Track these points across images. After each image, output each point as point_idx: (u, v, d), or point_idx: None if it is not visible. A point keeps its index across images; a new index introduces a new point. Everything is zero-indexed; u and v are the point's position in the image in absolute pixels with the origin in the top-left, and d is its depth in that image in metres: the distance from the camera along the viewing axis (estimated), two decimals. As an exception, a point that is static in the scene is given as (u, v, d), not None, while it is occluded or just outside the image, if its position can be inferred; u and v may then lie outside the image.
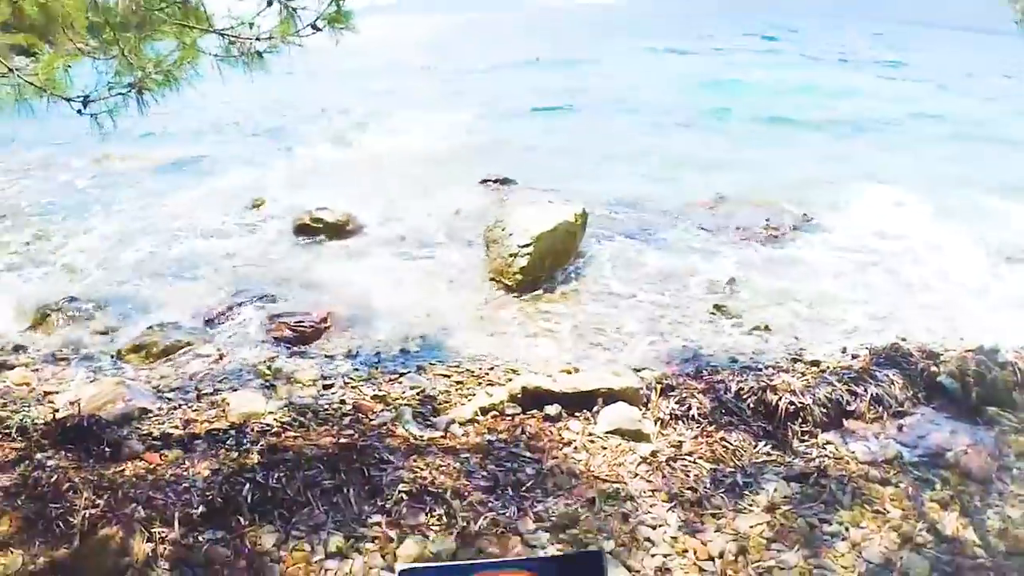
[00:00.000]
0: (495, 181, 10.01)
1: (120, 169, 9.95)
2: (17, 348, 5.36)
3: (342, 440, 3.93)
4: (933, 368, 4.82)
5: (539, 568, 1.22)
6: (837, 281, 7.00)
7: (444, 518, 3.39)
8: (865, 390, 4.56)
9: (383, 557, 3.18)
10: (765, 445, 4.13)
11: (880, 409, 4.48)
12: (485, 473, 3.75)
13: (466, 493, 3.56)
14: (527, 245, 6.70)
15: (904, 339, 5.37)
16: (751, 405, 4.43)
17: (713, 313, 6.21)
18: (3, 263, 7.01)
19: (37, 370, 4.99)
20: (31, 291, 6.37)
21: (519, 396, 4.50)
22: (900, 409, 4.50)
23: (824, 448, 4.17)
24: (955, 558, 3.36)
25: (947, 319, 6.16)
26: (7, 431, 3.86)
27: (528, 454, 3.93)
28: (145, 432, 4.06)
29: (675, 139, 12.08)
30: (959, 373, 4.69)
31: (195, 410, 4.43)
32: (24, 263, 6.99)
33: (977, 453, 4.06)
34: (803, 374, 4.83)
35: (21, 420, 4.07)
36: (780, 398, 4.40)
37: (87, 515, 3.15)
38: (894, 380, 4.65)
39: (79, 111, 3.75)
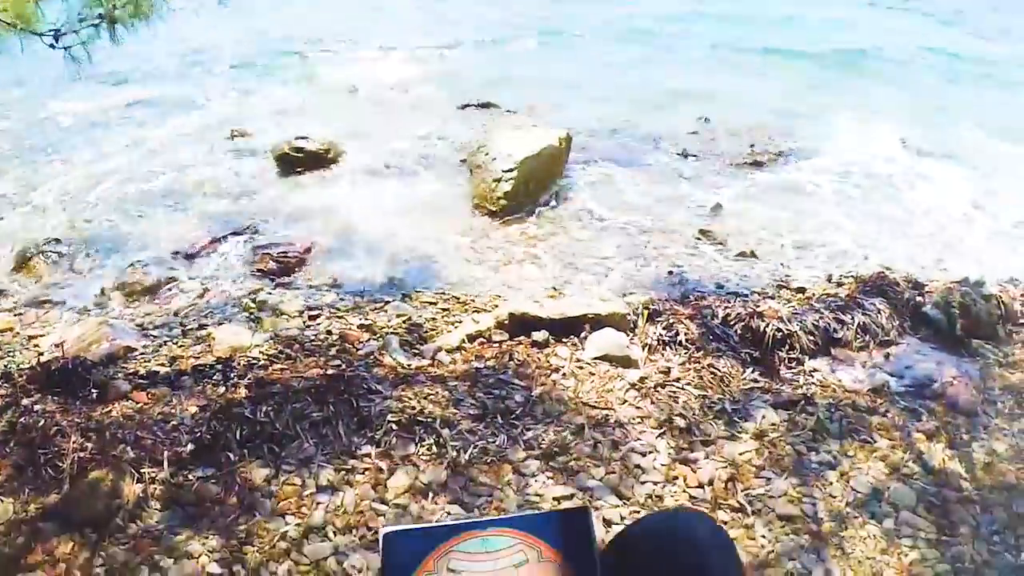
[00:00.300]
0: (476, 106, 9.87)
1: (98, 108, 9.71)
2: (-1, 292, 5.29)
3: (329, 371, 3.90)
4: (919, 298, 4.82)
5: (526, 525, 1.19)
6: (822, 208, 6.96)
7: (434, 448, 3.38)
8: (852, 318, 4.55)
9: (374, 489, 3.17)
10: (753, 372, 4.13)
11: (867, 338, 4.48)
12: (474, 401, 3.74)
13: (455, 422, 3.55)
14: (510, 170, 6.62)
15: (889, 268, 5.37)
16: (738, 331, 4.42)
17: (698, 238, 6.17)
18: None
19: (20, 314, 4.91)
20: (10, 233, 6.25)
21: (506, 322, 4.47)
22: (887, 338, 4.51)
23: (811, 376, 4.18)
24: (941, 490, 3.38)
25: (932, 250, 6.15)
26: (-9, 377, 3.81)
27: (516, 381, 3.91)
28: (131, 371, 4.01)
29: (663, 67, 11.91)
30: (944, 304, 4.69)
31: (181, 346, 4.38)
32: (2, 205, 6.84)
33: (963, 385, 4.08)
34: (789, 301, 4.83)
35: (6, 366, 4.03)
36: (767, 324, 4.39)
37: (76, 458, 3.13)
38: (880, 309, 4.65)
39: (51, 45, 3.66)
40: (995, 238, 6.46)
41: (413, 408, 3.60)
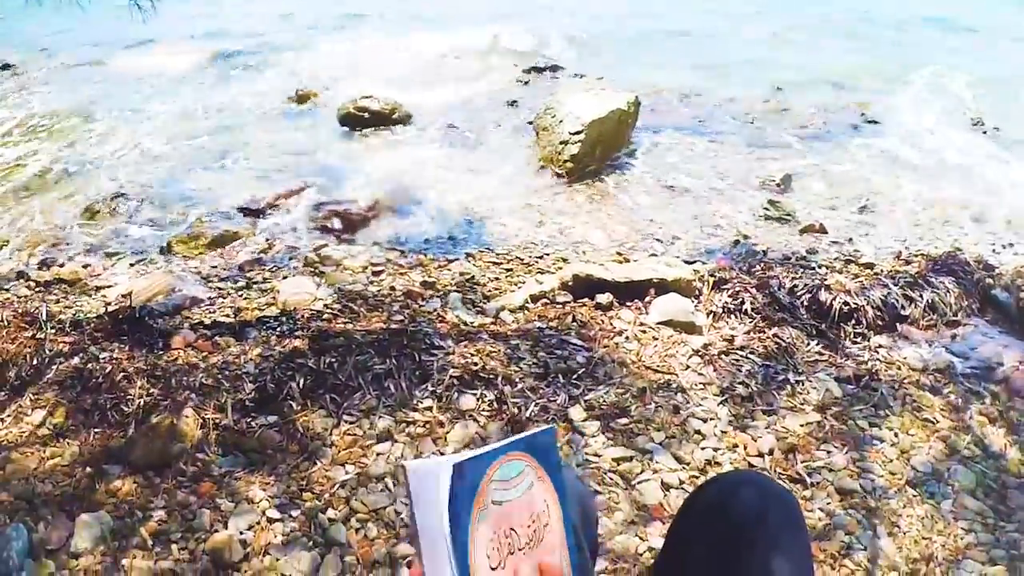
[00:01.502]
0: (544, 69, 9.84)
1: (166, 65, 9.80)
2: (68, 244, 5.35)
3: (392, 326, 3.92)
4: (988, 280, 4.73)
5: (525, 447, 1.21)
6: (894, 184, 6.86)
7: (495, 404, 3.39)
8: (920, 295, 4.48)
9: (434, 441, 3.19)
10: (817, 344, 4.08)
11: (934, 317, 4.41)
12: (535, 360, 3.73)
13: (516, 380, 3.55)
14: (578, 132, 6.60)
15: (960, 249, 5.28)
16: (804, 303, 4.37)
17: (767, 209, 6.11)
18: (51, 160, 6.94)
19: (87, 265, 4.99)
20: (80, 186, 6.34)
21: (570, 284, 4.46)
22: (954, 319, 4.43)
23: (876, 351, 4.12)
24: (1001, 475, 3.33)
25: (1006, 234, 6.03)
26: (61, 325, 3.86)
27: (579, 342, 3.91)
28: (196, 321, 4.06)
29: (736, 31, 11.78)
30: (1014, 288, 4.61)
31: (245, 299, 4.43)
32: (72, 159, 6.93)
33: (1027, 371, 4.01)
34: (857, 276, 4.77)
35: (74, 314, 4.08)
36: (834, 297, 4.34)
37: (141, 403, 3.18)
38: (949, 289, 4.57)
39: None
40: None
41: (475, 365, 3.61)
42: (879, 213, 6.26)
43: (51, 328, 3.80)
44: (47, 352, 3.57)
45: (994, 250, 5.57)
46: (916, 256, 5.20)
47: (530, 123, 7.43)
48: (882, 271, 4.85)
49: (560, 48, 10.80)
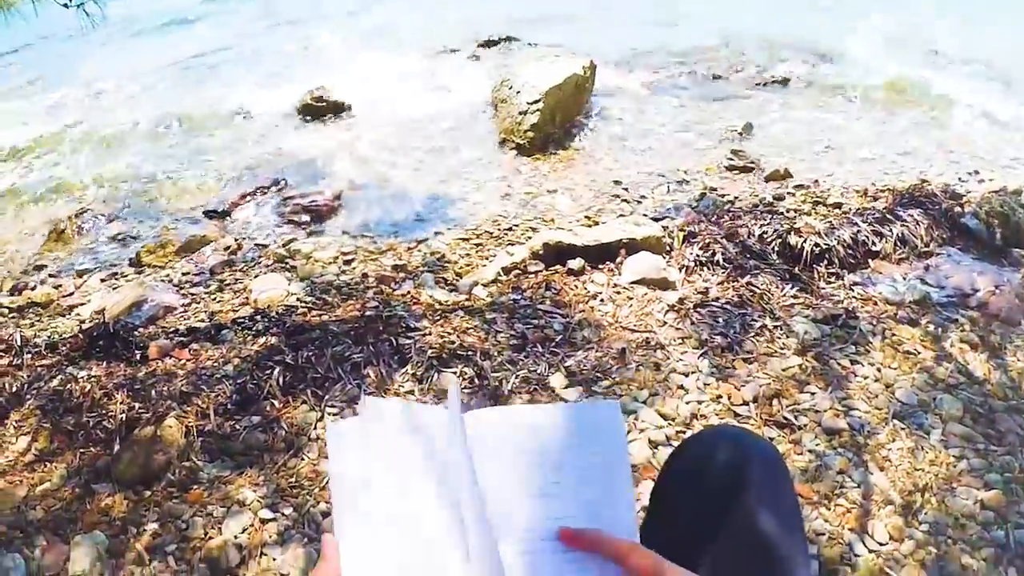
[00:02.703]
0: (497, 42, 9.78)
1: (116, 73, 9.69)
2: (38, 267, 5.30)
3: (367, 313, 3.91)
4: (957, 209, 4.76)
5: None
6: (854, 123, 6.89)
7: (475, 380, 3.38)
8: (890, 230, 4.50)
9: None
10: (792, 288, 4.10)
11: (905, 250, 4.43)
12: (512, 332, 3.73)
13: (495, 353, 3.55)
14: (536, 102, 6.58)
15: (926, 180, 5.30)
16: (775, 249, 4.39)
17: (730, 159, 6.11)
18: (10, 183, 6.85)
19: (59, 286, 4.94)
20: (43, 208, 6.27)
21: (540, 253, 4.45)
22: (925, 250, 4.45)
23: (851, 290, 4.13)
24: (987, 400, 3.35)
25: (969, 161, 6.07)
26: (37, 349, 3.83)
27: (554, 310, 3.90)
28: (172, 330, 4.01)
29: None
30: (983, 214, 4.63)
31: (218, 301, 4.39)
32: (31, 178, 6.85)
33: (1003, 294, 4.03)
34: (825, 216, 4.77)
35: (49, 336, 4.04)
36: (804, 240, 4.35)
37: (123, 419, 3.15)
38: (919, 220, 4.59)
39: (65, 4, 3.64)
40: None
41: (452, 343, 3.60)
42: (842, 152, 6.28)
43: (27, 353, 3.77)
44: (25, 377, 3.53)
45: (960, 178, 5.60)
46: (883, 191, 5.22)
47: (488, 97, 7.39)
48: (850, 209, 4.86)
49: (511, 19, 10.74)
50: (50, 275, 5.13)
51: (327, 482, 2.94)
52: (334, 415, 3.24)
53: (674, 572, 1.02)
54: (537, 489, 1.17)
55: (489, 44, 9.70)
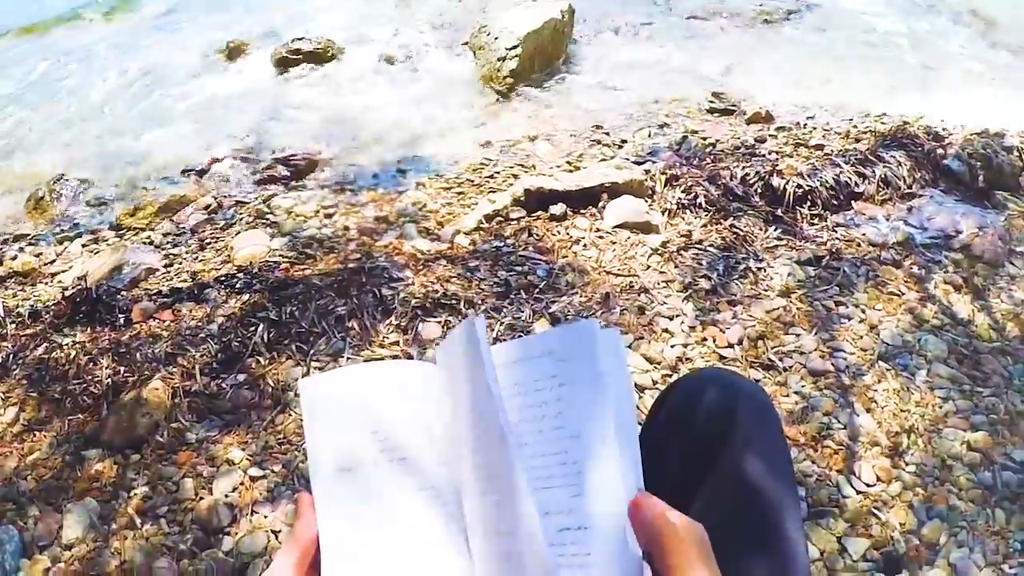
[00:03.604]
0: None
1: (82, 36, 9.51)
2: (17, 237, 5.24)
3: (350, 265, 3.89)
4: (939, 150, 4.75)
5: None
6: (837, 64, 6.86)
7: (461, 328, 3.38)
8: (872, 171, 4.49)
9: (403, 373, 3.18)
10: (775, 230, 4.10)
11: (888, 191, 4.43)
12: (496, 279, 3.72)
13: (479, 301, 3.55)
14: (514, 47, 6.52)
15: (908, 122, 5.28)
16: (758, 190, 4.38)
17: (712, 102, 6.08)
18: None
19: (39, 254, 4.89)
20: (19, 175, 6.19)
21: (522, 199, 4.43)
22: (908, 191, 4.45)
23: (834, 231, 4.13)
24: (972, 341, 3.38)
25: (950, 102, 6.05)
26: (20, 318, 3.80)
27: (537, 256, 3.90)
28: (155, 291, 3.98)
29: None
30: (965, 156, 4.63)
31: (200, 261, 4.35)
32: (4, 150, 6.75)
33: (987, 236, 4.04)
34: (808, 158, 4.76)
35: (32, 305, 4.00)
36: (787, 182, 4.34)
37: (110, 383, 3.14)
38: (901, 162, 4.58)
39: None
40: (1013, 89, 6.39)
41: (435, 292, 3.60)
42: (824, 93, 6.26)
43: (11, 323, 3.75)
44: (10, 347, 3.52)
45: (942, 120, 5.58)
46: (865, 133, 5.20)
47: (465, 43, 7.32)
48: (832, 151, 4.85)
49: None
50: (30, 243, 5.09)
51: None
52: (319, 368, 3.25)
53: (674, 530, 0.96)
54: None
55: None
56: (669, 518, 0.90)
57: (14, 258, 4.86)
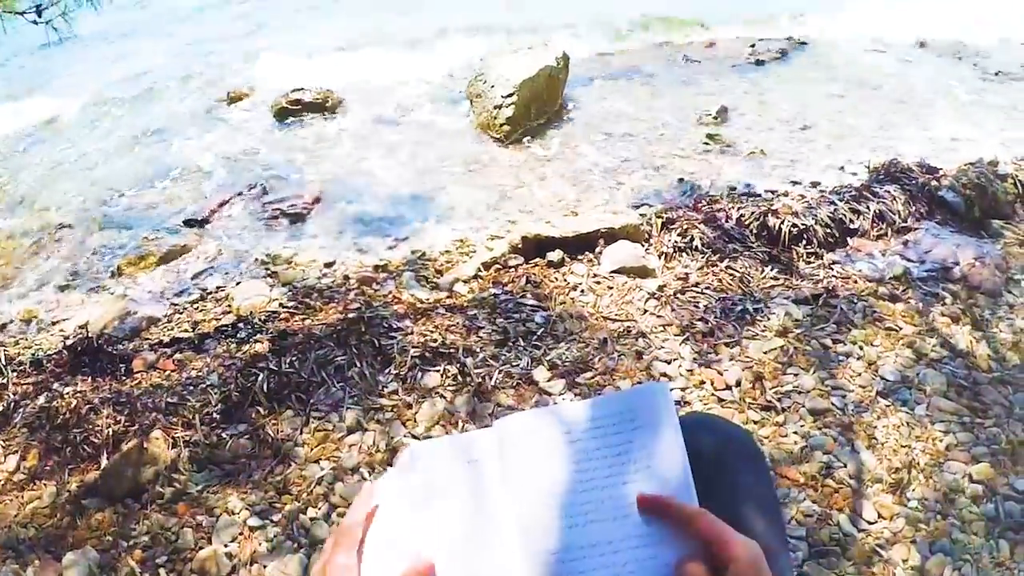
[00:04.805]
0: (471, 31, 9.73)
1: (95, 88, 9.59)
2: (18, 283, 5.25)
3: (349, 315, 3.90)
4: (933, 183, 4.77)
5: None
6: (829, 103, 6.91)
7: (459, 377, 3.38)
8: (867, 207, 4.51)
9: (403, 424, 3.19)
10: (771, 270, 4.11)
11: (884, 226, 4.44)
12: (494, 327, 3.73)
13: (478, 349, 3.55)
14: (510, 95, 6.58)
15: (900, 156, 5.31)
16: (754, 231, 4.39)
17: (706, 143, 6.12)
18: None
19: (41, 301, 4.92)
20: (22, 224, 6.21)
21: (519, 246, 4.45)
22: (904, 225, 4.46)
23: (831, 268, 4.14)
24: (971, 373, 3.37)
25: (941, 134, 6.11)
26: (21, 367, 3.81)
27: (535, 303, 3.90)
28: (155, 341, 4.01)
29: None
30: (960, 187, 4.65)
31: (201, 311, 4.37)
32: (6, 200, 6.77)
33: (984, 266, 4.04)
34: (803, 196, 4.78)
35: (33, 354, 4.02)
36: (782, 221, 4.36)
37: (110, 433, 3.15)
38: (895, 196, 4.60)
39: (35, 21, 3.64)
40: (1001, 117, 6.43)
41: (435, 341, 3.60)
42: (817, 131, 6.29)
43: (12, 371, 3.75)
44: (12, 396, 3.53)
45: (935, 152, 5.61)
46: (859, 168, 5.24)
47: (462, 92, 7.38)
48: (827, 188, 4.89)
49: (483, 7, 10.70)
50: (31, 290, 5.10)
51: (313, 486, 2.95)
52: (319, 418, 3.25)
53: (738, 543, 1.03)
54: (587, 484, 1.16)
55: (461, 31, 9.67)
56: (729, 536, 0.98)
57: (10, 302, 4.89)
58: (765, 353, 3.48)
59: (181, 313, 4.40)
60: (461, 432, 3.12)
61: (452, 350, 3.54)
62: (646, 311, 3.81)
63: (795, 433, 3.07)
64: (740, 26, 9.01)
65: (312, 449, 3.10)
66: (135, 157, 7.20)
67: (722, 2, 9.92)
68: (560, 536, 1.11)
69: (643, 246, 4.35)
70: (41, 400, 3.47)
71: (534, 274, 4.17)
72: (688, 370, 3.40)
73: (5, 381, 3.65)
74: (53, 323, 4.58)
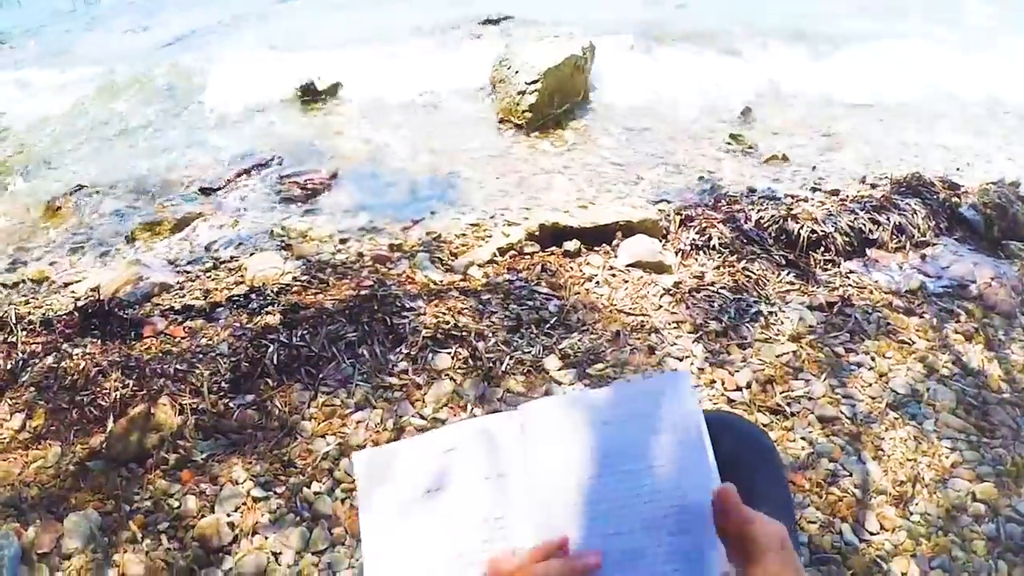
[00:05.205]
0: (497, 21, 9.69)
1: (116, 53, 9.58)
2: (33, 245, 5.25)
3: (362, 292, 3.89)
4: (954, 199, 4.75)
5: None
6: (854, 111, 6.88)
7: (470, 361, 3.38)
8: (887, 219, 4.49)
9: (412, 404, 3.18)
10: (788, 274, 4.10)
11: (903, 239, 4.42)
12: (507, 313, 3.72)
13: (490, 334, 3.55)
14: (534, 82, 6.56)
15: (924, 169, 5.28)
16: (772, 234, 4.37)
17: (728, 143, 6.11)
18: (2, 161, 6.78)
19: (54, 263, 4.91)
20: (39, 185, 6.20)
21: (536, 234, 4.44)
22: (923, 239, 4.44)
23: (847, 277, 4.13)
24: (981, 391, 3.36)
25: (965, 152, 6.08)
26: (31, 326, 3.81)
27: (549, 291, 3.89)
28: (167, 307, 3.99)
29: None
30: (981, 205, 4.63)
31: (213, 279, 4.36)
32: (27, 159, 6.77)
33: (1001, 287, 4.02)
34: (823, 203, 4.76)
35: (43, 314, 4.01)
36: (801, 227, 4.34)
37: (117, 397, 3.14)
38: (916, 210, 4.58)
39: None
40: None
41: (447, 323, 3.60)
42: (841, 138, 6.27)
43: (22, 330, 3.75)
44: (20, 355, 3.52)
45: (957, 168, 5.59)
46: (881, 179, 5.21)
47: (486, 77, 7.35)
48: (848, 197, 4.85)
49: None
50: (45, 251, 5.10)
51: (318, 460, 2.95)
52: (327, 393, 3.25)
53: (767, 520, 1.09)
54: (611, 469, 1.18)
55: (489, 23, 9.63)
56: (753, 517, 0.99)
57: (26, 264, 4.88)
58: (777, 357, 3.47)
59: (193, 281, 4.38)
60: (468, 417, 3.12)
61: (464, 333, 3.53)
62: (660, 307, 3.80)
63: (803, 439, 3.06)
64: (770, 29, 8.96)
65: (319, 424, 3.10)
66: (154, 123, 7.19)
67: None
68: (581, 525, 1.13)
69: (660, 241, 4.34)
70: (49, 360, 3.47)
71: (550, 263, 4.15)
72: (700, 369, 3.40)
73: (15, 339, 3.65)
74: (65, 285, 4.57)
